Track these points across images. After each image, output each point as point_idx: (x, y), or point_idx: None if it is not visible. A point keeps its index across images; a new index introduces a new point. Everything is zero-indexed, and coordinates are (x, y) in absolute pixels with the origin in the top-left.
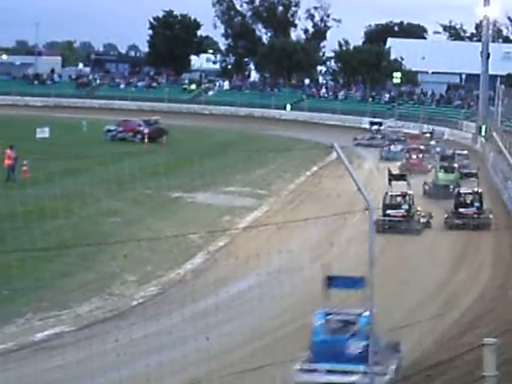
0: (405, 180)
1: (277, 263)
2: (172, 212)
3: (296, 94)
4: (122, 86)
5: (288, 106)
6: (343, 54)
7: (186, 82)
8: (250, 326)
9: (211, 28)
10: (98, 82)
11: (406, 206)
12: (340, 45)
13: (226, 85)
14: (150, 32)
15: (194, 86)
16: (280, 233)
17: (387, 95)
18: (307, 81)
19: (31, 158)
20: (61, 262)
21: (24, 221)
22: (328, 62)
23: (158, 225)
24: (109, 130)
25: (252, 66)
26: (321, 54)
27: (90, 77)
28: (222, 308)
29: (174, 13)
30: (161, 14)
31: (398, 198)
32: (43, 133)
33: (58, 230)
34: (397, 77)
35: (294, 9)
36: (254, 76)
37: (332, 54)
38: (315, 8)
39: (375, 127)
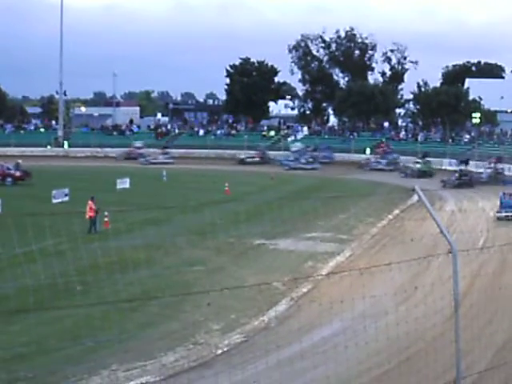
0: None
1: (361, 308)
2: (254, 259)
3: (375, 137)
4: (201, 134)
5: (367, 150)
6: (422, 95)
7: (265, 128)
8: (336, 372)
9: (288, 74)
10: (177, 131)
11: None
12: (419, 86)
13: (305, 130)
14: (228, 80)
15: (273, 133)
16: (363, 278)
17: (467, 136)
18: (386, 124)
19: (112, 209)
20: (145, 312)
21: (107, 272)
22: (406, 105)
23: (241, 272)
24: None
25: (330, 111)
26: (399, 96)
27: (169, 126)
28: (307, 355)
29: (251, 60)
30: (237, 62)
31: None
32: (123, 183)
33: (140, 280)
34: (476, 117)
35: (370, 52)
36: (333, 120)
37: (410, 96)
38: (392, 51)
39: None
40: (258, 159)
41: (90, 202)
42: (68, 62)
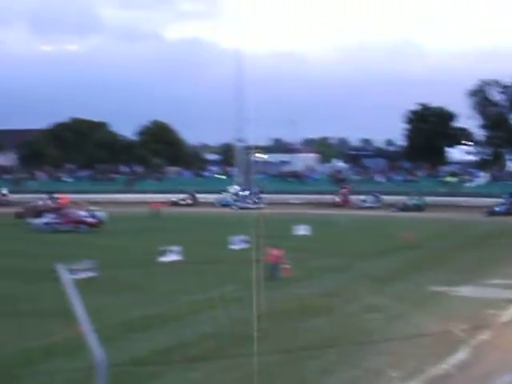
0: None
1: None
2: (434, 306)
3: None
4: (379, 180)
5: None
6: None
7: (444, 174)
8: None
9: (466, 119)
10: (355, 177)
11: None
12: None
13: (485, 176)
14: (406, 126)
15: (451, 178)
16: None
17: None
18: None
19: (292, 256)
20: (324, 359)
21: (286, 319)
22: None
23: (420, 319)
24: None
25: (509, 156)
26: None
27: (347, 173)
28: None
29: (429, 105)
30: (416, 107)
31: None
32: (302, 230)
33: (319, 327)
34: None
35: None
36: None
37: None
38: None
39: None
40: None
41: (270, 249)
42: (245, 108)
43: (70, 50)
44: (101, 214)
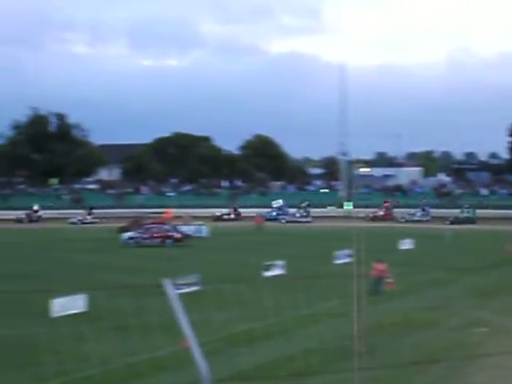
0: None
1: None
2: None
3: None
4: (483, 194)
5: None
6: None
7: None
8: None
9: None
10: (459, 191)
11: None
12: None
13: None
14: (510, 139)
15: None
16: None
17: None
18: None
19: (396, 270)
20: (429, 373)
21: (391, 333)
22: None
23: None
24: None
25: None
26: None
27: (451, 186)
28: None
29: None
30: None
31: None
32: (406, 244)
33: (424, 341)
34: None
35: None
36: None
37: None
38: None
39: None
40: None
41: (375, 263)
42: (348, 122)
43: (170, 64)
44: (203, 228)
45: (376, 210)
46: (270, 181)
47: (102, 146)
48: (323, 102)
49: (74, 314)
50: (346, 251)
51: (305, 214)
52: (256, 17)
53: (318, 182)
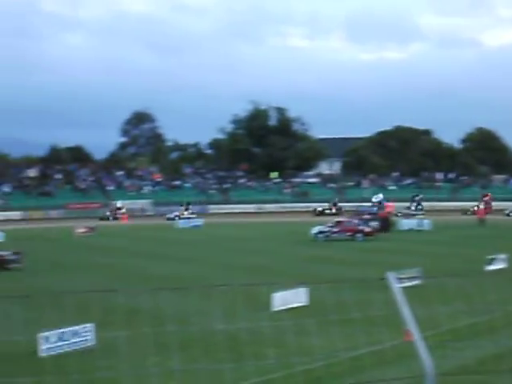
0: None
1: None
2: None
3: None
4: None
5: None
6: None
7: None
8: None
9: None
10: None
11: None
12: None
13: None
14: None
15: None
16: None
17: None
18: None
19: None
20: None
21: None
22: None
23: None
24: None
25: None
26: None
27: None
28: None
29: None
30: None
31: None
32: None
33: None
34: None
35: None
36: None
37: None
38: None
39: None
40: None
41: None
42: None
43: (389, 57)
44: (426, 221)
45: None
46: (491, 174)
47: (322, 140)
48: None
49: (295, 307)
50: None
51: (420, 207)
52: (474, 9)
53: None
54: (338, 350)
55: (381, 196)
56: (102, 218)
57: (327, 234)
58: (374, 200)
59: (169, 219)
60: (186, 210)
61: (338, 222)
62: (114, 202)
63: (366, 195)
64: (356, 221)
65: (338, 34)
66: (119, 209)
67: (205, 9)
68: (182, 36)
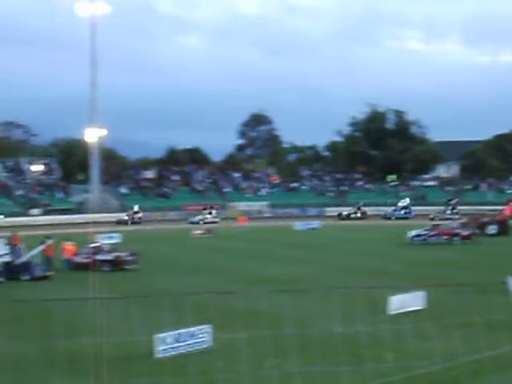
0: None
1: None
2: None
3: None
4: None
5: None
6: None
7: None
8: None
9: None
10: None
11: None
12: None
13: None
14: None
15: None
16: None
17: None
18: None
19: None
20: None
21: None
22: None
23: None
24: None
25: None
26: None
27: None
28: None
29: None
30: None
31: None
32: None
33: None
34: None
35: None
36: None
37: None
38: None
39: None
40: None
41: None
42: None
43: (505, 61)
44: None
45: None
46: None
47: (440, 143)
48: None
49: (412, 311)
50: None
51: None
52: None
53: None
54: (457, 353)
55: (407, 200)
56: (118, 222)
57: (424, 237)
58: (400, 204)
59: (192, 223)
60: (210, 213)
61: (435, 225)
62: (230, 204)
63: (488, 198)
64: (454, 224)
65: (454, 37)
66: (136, 212)
67: (320, 12)
68: (297, 39)
